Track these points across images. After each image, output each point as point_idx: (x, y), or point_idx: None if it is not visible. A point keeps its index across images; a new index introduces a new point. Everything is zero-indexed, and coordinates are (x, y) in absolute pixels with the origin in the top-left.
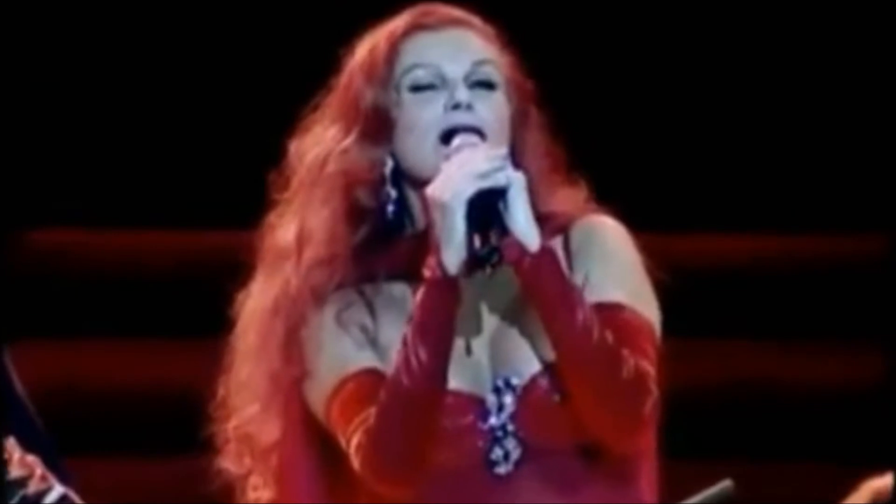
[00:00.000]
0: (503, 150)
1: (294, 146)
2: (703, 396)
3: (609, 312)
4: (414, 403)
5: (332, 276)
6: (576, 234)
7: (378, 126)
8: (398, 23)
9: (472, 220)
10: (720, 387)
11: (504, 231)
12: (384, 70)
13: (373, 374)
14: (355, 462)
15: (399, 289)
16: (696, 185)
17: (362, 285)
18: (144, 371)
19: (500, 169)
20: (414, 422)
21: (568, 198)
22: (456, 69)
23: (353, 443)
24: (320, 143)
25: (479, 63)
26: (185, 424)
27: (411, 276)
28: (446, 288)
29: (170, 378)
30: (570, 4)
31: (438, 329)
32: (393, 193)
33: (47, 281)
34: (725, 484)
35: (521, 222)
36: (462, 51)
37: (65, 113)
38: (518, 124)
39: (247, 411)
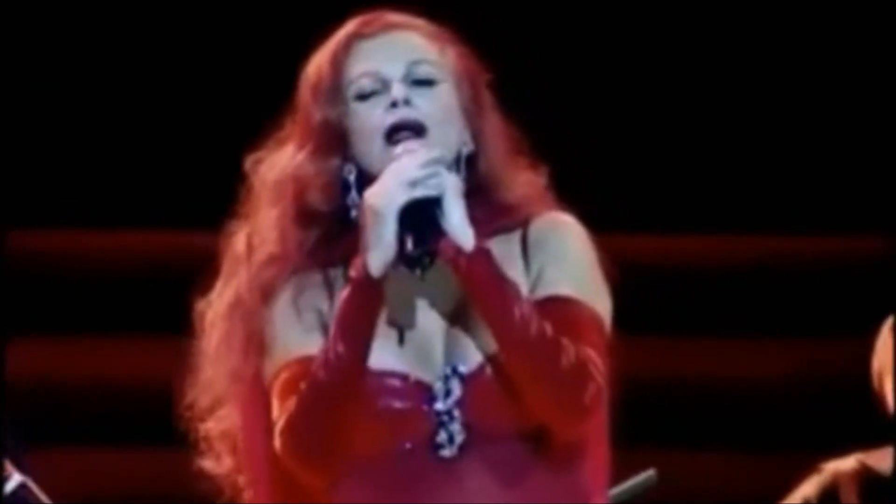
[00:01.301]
0: (437, 153)
1: (252, 164)
2: (696, 391)
3: (557, 306)
4: (329, 396)
5: (283, 272)
6: (533, 231)
7: (329, 140)
8: (339, 36)
9: (408, 221)
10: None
11: (440, 232)
12: (330, 85)
13: (310, 363)
14: (277, 447)
15: None
16: (674, 186)
17: (326, 268)
18: (125, 366)
19: (432, 175)
20: (329, 413)
21: (529, 182)
22: (393, 70)
23: (277, 428)
24: (277, 159)
25: (416, 62)
26: (166, 418)
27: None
28: (368, 289)
29: (151, 373)
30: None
31: (357, 327)
32: (357, 198)
33: (26, 281)
34: (649, 473)
35: (456, 223)
36: (398, 52)
37: (35, 114)
38: (473, 112)
39: (219, 412)
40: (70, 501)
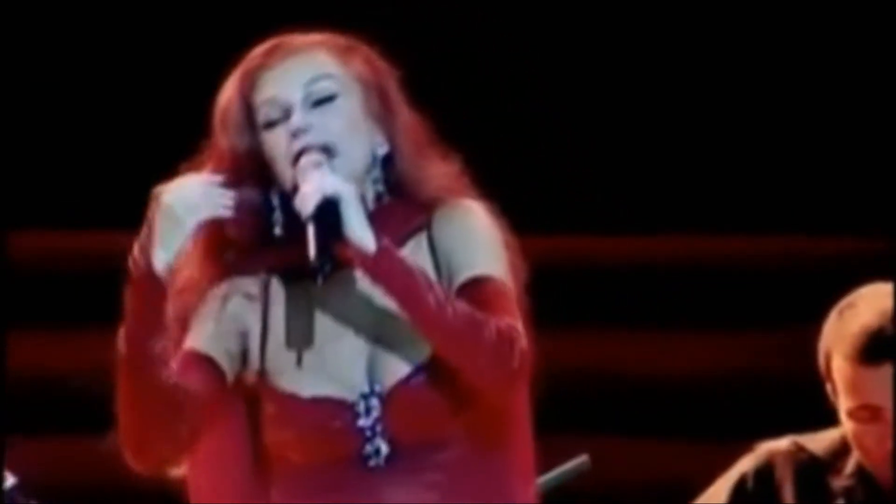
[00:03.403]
0: (217, 178)
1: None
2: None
3: (471, 288)
4: (123, 387)
5: (200, 296)
6: (436, 226)
7: (239, 168)
8: (243, 66)
9: (315, 232)
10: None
11: (342, 239)
12: (237, 115)
13: (191, 356)
14: None
15: (295, 284)
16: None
17: (269, 275)
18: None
19: (219, 196)
20: (129, 406)
21: (442, 172)
22: (291, 97)
23: None
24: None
25: (313, 81)
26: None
27: (302, 273)
28: (147, 281)
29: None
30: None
31: (136, 317)
32: (280, 217)
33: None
34: (582, 459)
35: (356, 230)
36: (296, 76)
37: (35, 116)
38: (383, 114)
39: None
40: (67, 491)
